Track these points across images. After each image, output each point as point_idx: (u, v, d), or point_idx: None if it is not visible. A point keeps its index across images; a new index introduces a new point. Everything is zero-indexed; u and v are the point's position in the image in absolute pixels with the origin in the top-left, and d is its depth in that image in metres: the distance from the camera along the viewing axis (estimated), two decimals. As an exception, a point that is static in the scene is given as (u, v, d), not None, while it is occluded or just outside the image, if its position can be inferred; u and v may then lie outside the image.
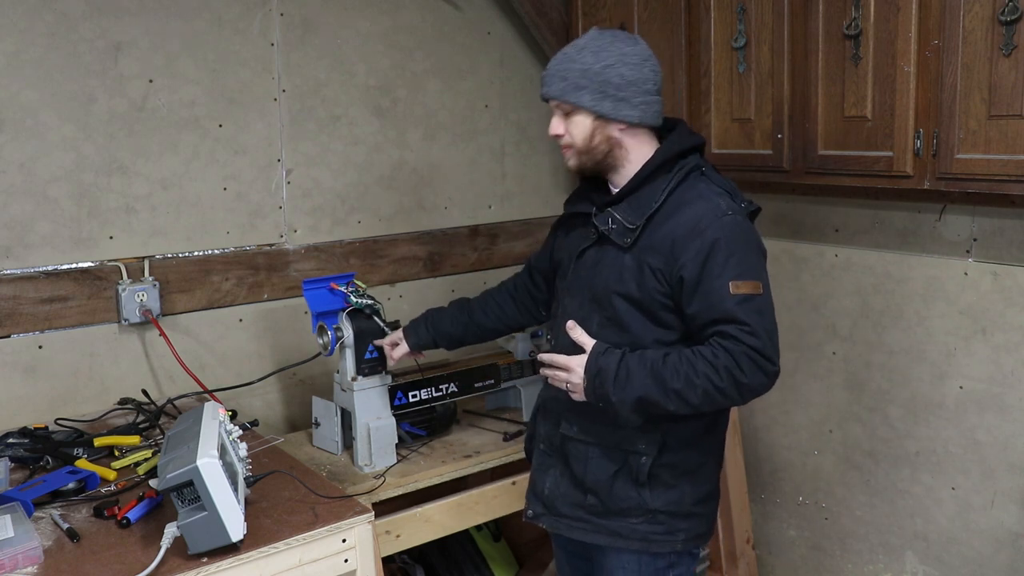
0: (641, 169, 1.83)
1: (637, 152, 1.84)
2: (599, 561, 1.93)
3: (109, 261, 2.41)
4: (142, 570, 1.55)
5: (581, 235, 1.91)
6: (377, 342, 2.25)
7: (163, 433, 2.17)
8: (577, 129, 1.82)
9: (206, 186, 2.54)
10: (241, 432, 1.91)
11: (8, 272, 2.28)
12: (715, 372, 1.68)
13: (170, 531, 1.61)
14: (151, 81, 2.43)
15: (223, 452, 1.65)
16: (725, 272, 1.71)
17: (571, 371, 1.78)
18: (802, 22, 2.33)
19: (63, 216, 2.34)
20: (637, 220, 1.79)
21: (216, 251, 2.57)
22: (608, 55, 1.79)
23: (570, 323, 1.81)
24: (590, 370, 1.75)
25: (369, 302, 2.28)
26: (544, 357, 1.84)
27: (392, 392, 2.32)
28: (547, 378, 1.87)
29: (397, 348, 2.24)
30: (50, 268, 2.33)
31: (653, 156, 1.83)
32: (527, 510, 1.98)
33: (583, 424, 1.86)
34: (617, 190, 1.88)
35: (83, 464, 2.00)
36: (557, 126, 1.85)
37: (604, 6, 2.86)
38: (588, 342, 1.78)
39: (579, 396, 1.79)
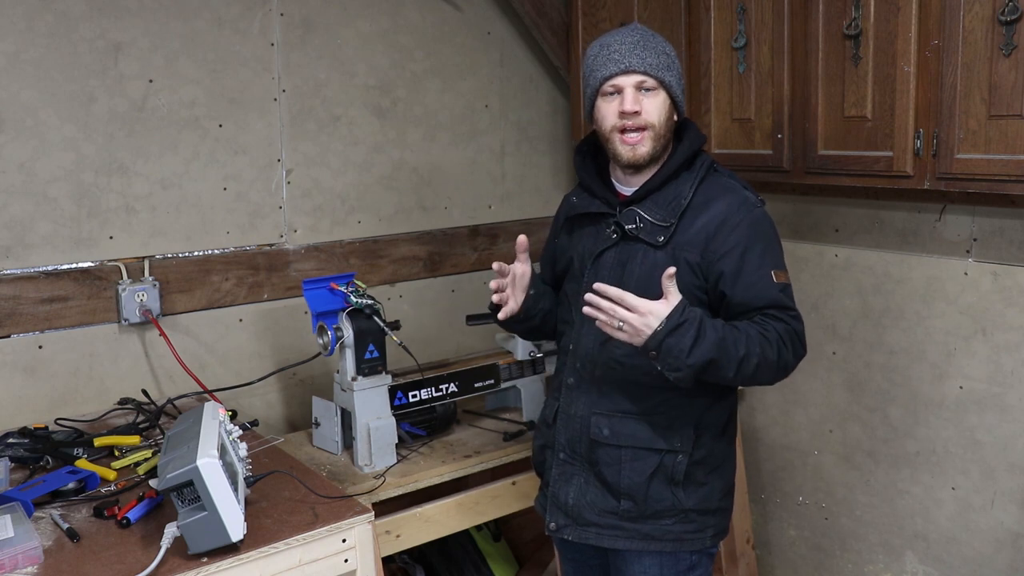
0: (663, 167, 1.84)
1: (669, 147, 1.86)
2: (619, 567, 1.91)
3: (109, 261, 2.41)
4: (142, 570, 1.56)
5: (594, 235, 1.90)
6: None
7: (163, 433, 2.17)
8: (658, 110, 1.79)
9: (206, 186, 2.54)
10: (241, 432, 1.91)
11: (8, 272, 2.28)
12: (768, 344, 1.71)
13: (170, 531, 1.61)
14: (151, 81, 2.43)
15: (223, 452, 1.65)
16: (765, 262, 1.77)
17: (645, 314, 1.64)
18: (802, 22, 2.33)
19: (63, 216, 2.34)
20: (670, 218, 1.80)
21: (216, 251, 2.57)
22: (670, 48, 1.83)
23: (671, 269, 1.67)
24: (673, 319, 1.64)
25: (369, 302, 2.28)
26: (613, 291, 1.66)
27: (392, 392, 2.32)
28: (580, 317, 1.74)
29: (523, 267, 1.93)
30: (50, 268, 2.33)
31: (676, 153, 1.85)
32: (548, 523, 1.93)
33: (614, 427, 1.84)
34: (626, 187, 1.88)
35: (83, 464, 2.00)
36: (636, 102, 1.77)
37: (604, 6, 2.86)
38: (677, 296, 1.67)
39: (625, 338, 1.67)
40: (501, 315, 1.92)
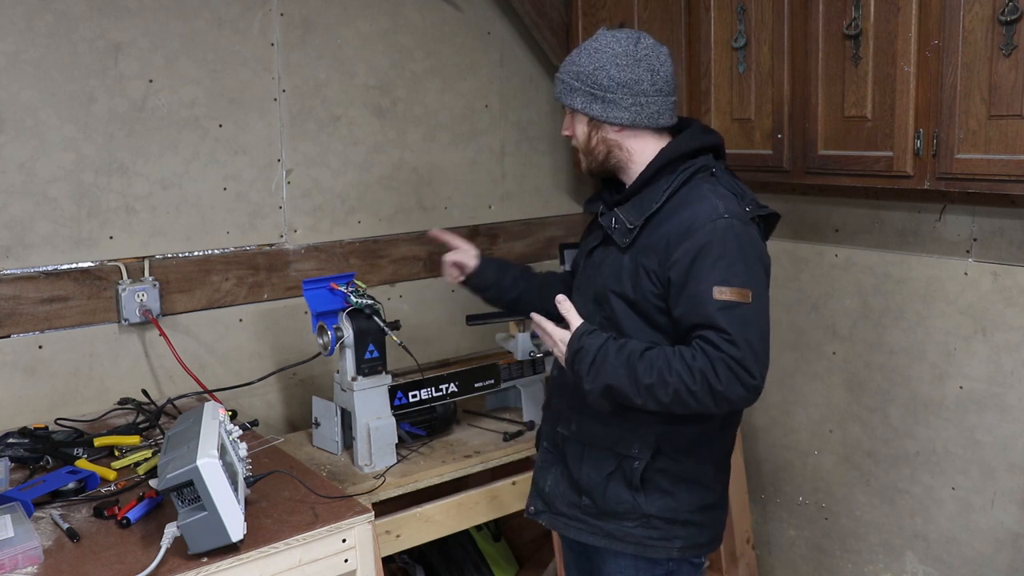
0: (644, 170, 1.82)
1: (640, 153, 1.83)
2: (597, 563, 1.93)
3: (109, 261, 2.41)
4: (142, 570, 1.56)
5: (593, 234, 1.93)
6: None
7: (163, 433, 2.17)
8: (579, 130, 1.86)
9: (206, 186, 2.54)
10: (241, 432, 1.91)
11: (8, 272, 2.28)
12: (689, 374, 1.63)
13: (170, 531, 1.61)
14: (151, 81, 2.43)
15: (223, 452, 1.65)
16: (711, 276, 1.67)
17: (557, 341, 1.77)
18: (802, 22, 2.33)
19: (63, 216, 2.34)
20: (636, 220, 1.79)
21: (216, 251, 2.57)
22: (600, 56, 1.79)
23: (560, 297, 1.80)
24: (572, 346, 1.74)
25: (369, 302, 2.28)
26: (536, 318, 1.83)
27: (392, 392, 2.32)
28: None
29: (463, 253, 2.18)
30: (50, 268, 2.33)
31: (656, 157, 1.81)
32: (528, 506, 1.99)
33: (580, 424, 1.87)
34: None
35: (83, 464, 2.00)
36: (567, 126, 1.89)
37: (604, 6, 2.86)
38: (575, 320, 1.76)
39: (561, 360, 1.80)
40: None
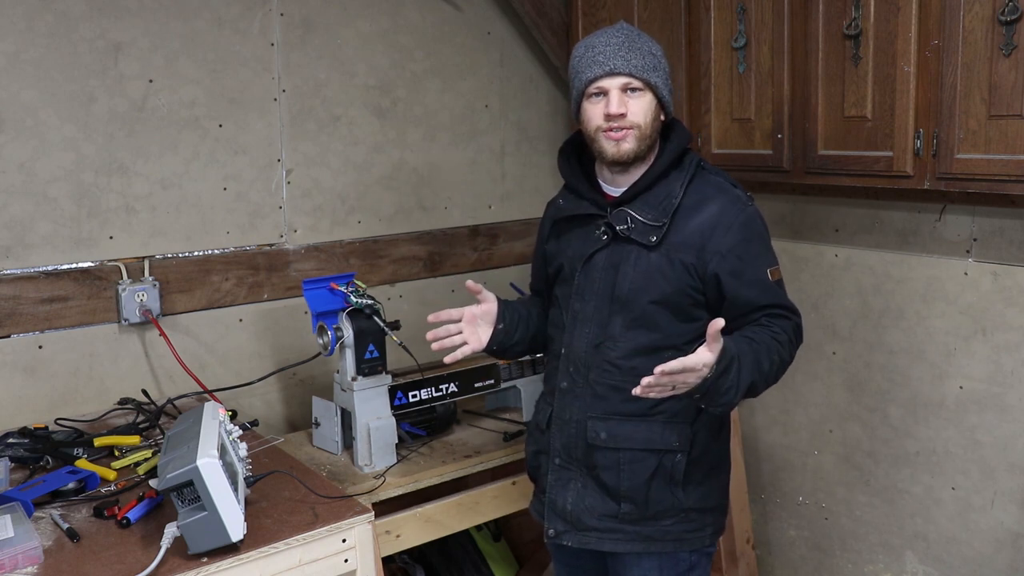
0: (653, 166, 1.83)
1: (656, 146, 1.86)
2: (617, 570, 1.91)
3: (109, 261, 2.41)
4: (142, 570, 1.56)
5: (583, 238, 1.88)
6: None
7: (163, 433, 2.17)
8: (644, 110, 1.79)
9: (206, 186, 2.54)
10: (241, 432, 1.91)
11: (8, 272, 2.28)
12: (780, 346, 1.75)
13: (170, 531, 1.61)
14: (151, 81, 2.43)
15: (223, 452, 1.65)
16: (762, 261, 1.80)
17: (701, 368, 1.56)
18: (802, 22, 2.33)
19: (63, 216, 2.34)
20: (662, 217, 1.79)
21: (216, 251, 2.58)
22: (656, 45, 1.83)
23: (721, 322, 1.56)
24: (721, 364, 1.58)
25: (369, 302, 2.28)
26: (674, 365, 1.54)
27: (392, 392, 2.32)
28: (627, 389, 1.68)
29: (485, 307, 1.93)
30: (50, 268, 2.33)
31: (664, 153, 1.84)
32: (547, 530, 1.91)
33: (611, 430, 1.82)
34: (613, 188, 1.87)
35: (83, 464, 2.00)
36: (621, 104, 1.76)
37: (604, 6, 2.86)
38: (721, 340, 1.58)
39: (670, 393, 1.59)
40: (448, 359, 1.85)
